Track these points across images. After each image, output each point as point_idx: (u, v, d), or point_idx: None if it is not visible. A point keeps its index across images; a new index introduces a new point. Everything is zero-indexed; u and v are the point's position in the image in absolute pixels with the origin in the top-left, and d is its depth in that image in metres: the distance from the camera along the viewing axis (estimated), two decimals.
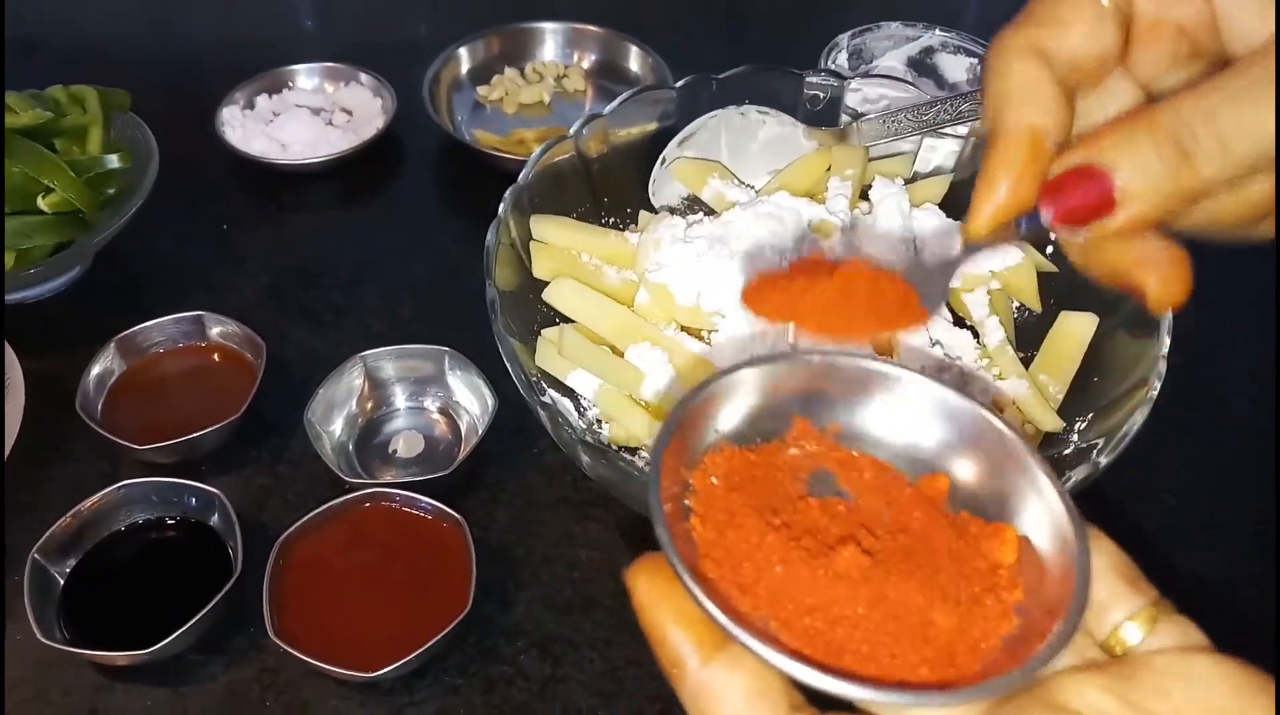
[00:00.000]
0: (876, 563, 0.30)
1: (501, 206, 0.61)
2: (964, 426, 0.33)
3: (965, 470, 0.33)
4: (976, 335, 0.62)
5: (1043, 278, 0.65)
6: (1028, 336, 0.63)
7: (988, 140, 0.35)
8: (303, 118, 0.87)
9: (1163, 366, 0.53)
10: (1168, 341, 0.54)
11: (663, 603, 0.29)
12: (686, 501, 0.31)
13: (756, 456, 0.33)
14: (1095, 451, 0.51)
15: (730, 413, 0.34)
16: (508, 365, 0.55)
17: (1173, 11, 0.35)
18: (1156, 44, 0.36)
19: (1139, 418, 0.51)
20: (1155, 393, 0.52)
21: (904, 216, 0.64)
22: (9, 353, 0.63)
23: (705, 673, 0.28)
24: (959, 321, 0.63)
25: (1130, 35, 0.36)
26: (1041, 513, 0.31)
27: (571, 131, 0.66)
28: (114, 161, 0.71)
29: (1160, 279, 0.35)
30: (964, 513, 0.33)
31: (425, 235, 0.82)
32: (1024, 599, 0.30)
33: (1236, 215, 0.35)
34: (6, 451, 0.60)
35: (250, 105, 0.89)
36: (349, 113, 0.89)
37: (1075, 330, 0.60)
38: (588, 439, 0.52)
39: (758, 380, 0.34)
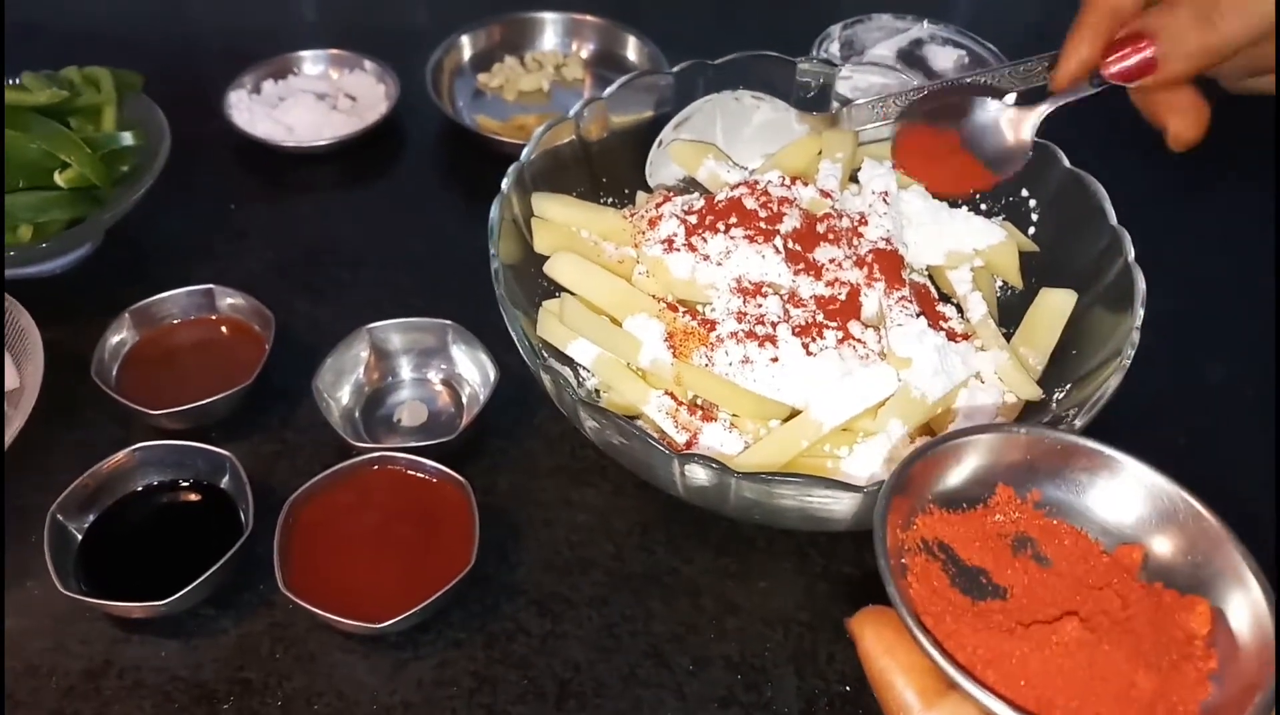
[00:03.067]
0: (1089, 629, 0.33)
1: (505, 182, 0.63)
2: (1161, 505, 0.36)
3: (1159, 544, 0.36)
4: (961, 310, 0.65)
5: (1024, 257, 0.68)
6: (1009, 312, 0.66)
7: (1080, 13, 0.51)
8: (308, 102, 0.89)
9: (1136, 337, 0.56)
10: (1141, 313, 0.57)
11: (889, 653, 0.33)
12: (903, 560, 0.35)
13: (963, 520, 0.37)
14: (1072, 416, 0.53)
15: (940, 478, 0.37)
16: (511, 331, 0.57)
17: None
18: None
19: (1113, 383, 0.53)
20: (1129, 361, 0.55)
21: (892, 196, 0.67)
22: (29, 321, 0.65)
23: None
24: (944, 297, 0.66)
25: None
26: (1238, 591, 0.34)
27: (572, 113, 0.68)
28: (128, 138, 0.73)
29: (1181, 121, 0.51)
30: (1158, 584, 0.35)
31: (426, 216, 0.84)
32: (1218, 669, 0.33)
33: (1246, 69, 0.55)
34: (23, 420, 0.62)
35: (257, 90, 0.91)
36: (353, 98, 0.92)
37: (1054, 305, 0.63)
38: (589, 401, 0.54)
39: (967, 450, 0.37)
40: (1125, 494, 0.37)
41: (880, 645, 0.33)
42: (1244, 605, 0.34)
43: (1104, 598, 0.35)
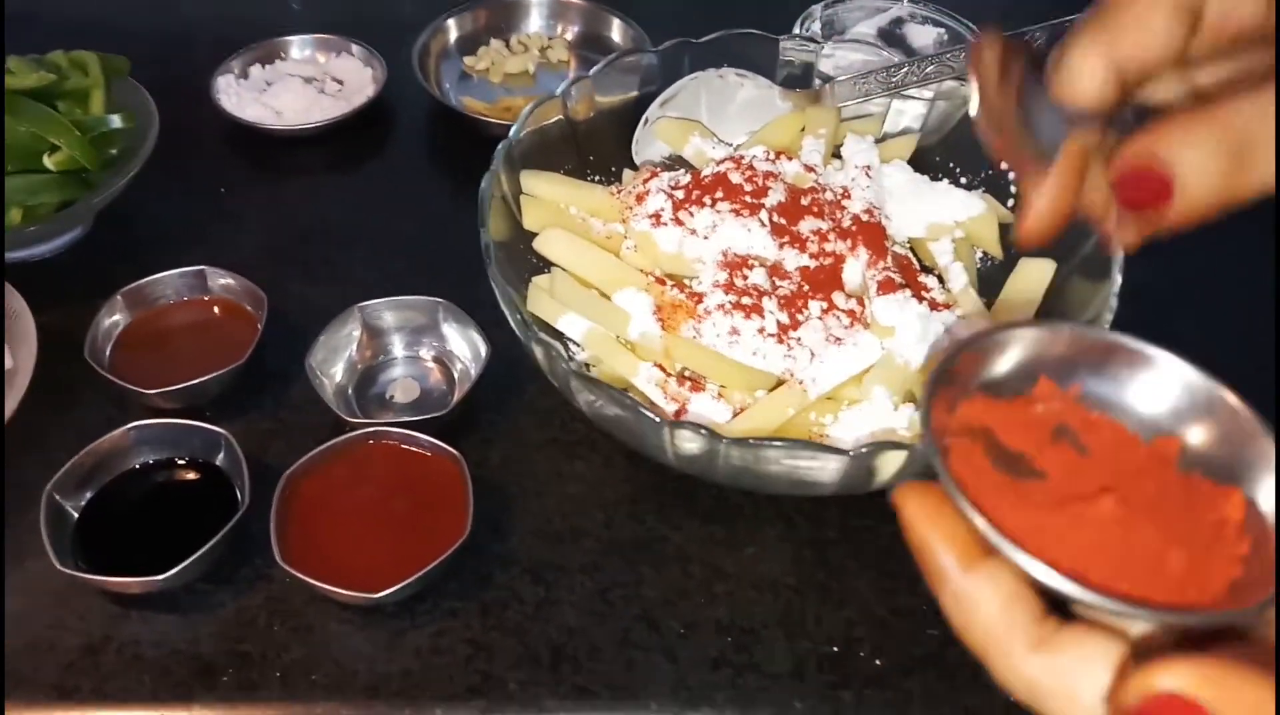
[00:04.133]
0: (1125, 507, 0.34)
1: (494, 159, 0.64)
2: (1198, 399, 0.37)
3: (1196, 437, 0.37)
4: (942, 281, 0.66)
5: (1004, 227, 0.69)
6: (990, 282, 0.67)
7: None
8: (295, 86, 0.90)
9: (1114, 302, 0.57)
10: (1119, 279, 0.58)
11: (929, 521, 0.34)
12: (946, 441, 0.36)
13: (1005, 408, 0.38)
14: None
15: (985, 369, 0.38)
16: (502, 305, 0.58)
17: (1239, 11, 0.36)
18: (1215, 40, 0.37)
19: None
20: (1107, 326, 0.56)
21: (874, 170, 0.68)
22: (21, 304, 0.66)
23: (967, 580, 0.33)
24: (925, 268, 0.67)
25: (1194, 30, 0.36)
26: (1269, 481, 0.35)
27: (559, 91, 0.69)
28: (117, 121, 0.74)
29: (1043, 203, 0.38)
30: (1195, 475, 0.36)
31: (415, 196, 0.85)
32: (1249, 554, 0.34)
33: None
34: (18, 401, 0.63)
35: (244, 75, 0.91)
36: (340, 82, 0.92)
37: (1034, 275, 0.64)
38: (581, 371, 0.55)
39: (1011, 342, 0.38)
40: (1163, 389, 0.38)
41: (921, 514, 0.34)
42: (1275, 494, 0.35)
43: (1140, 481, 0.36)
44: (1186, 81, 0.39)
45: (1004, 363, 0.39)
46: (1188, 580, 0.33)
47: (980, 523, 0.32)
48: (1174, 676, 0.28)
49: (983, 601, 0.32)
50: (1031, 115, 0.39)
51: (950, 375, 0.38)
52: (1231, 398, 0.37)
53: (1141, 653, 0.31)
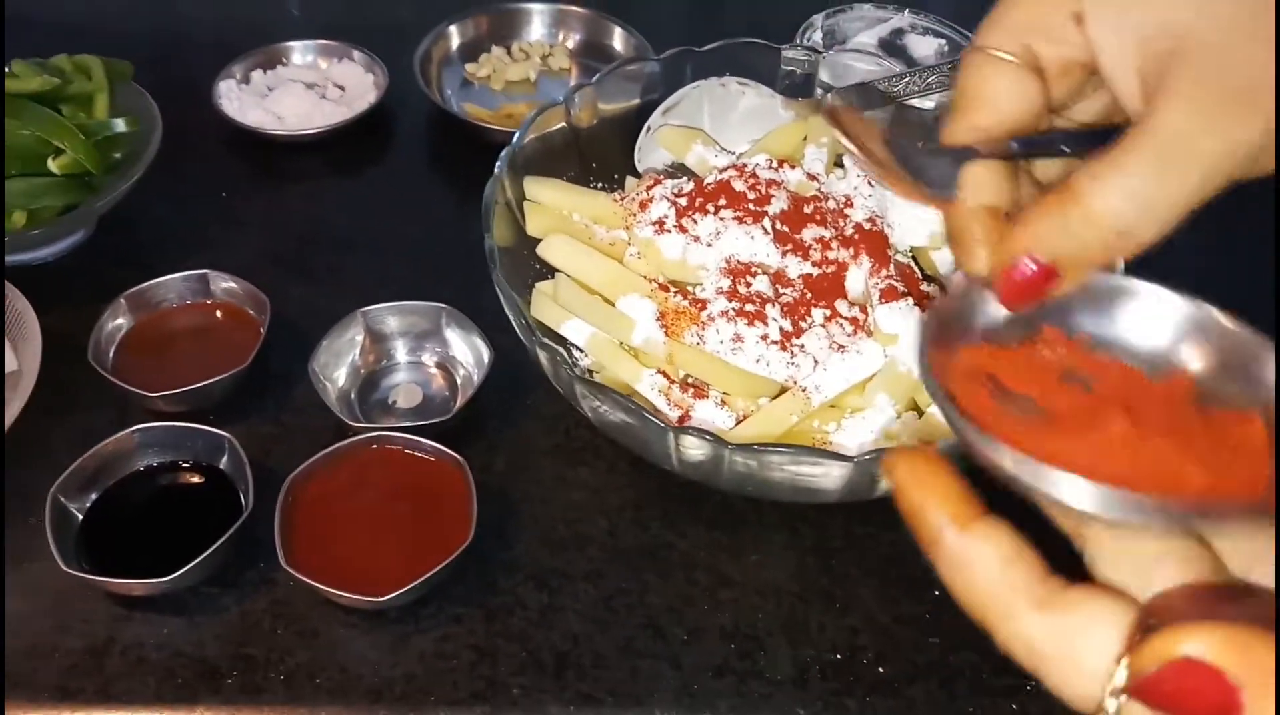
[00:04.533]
0: (1137, 427, 0.33)
1: (498, 165, 0.64)
2: (1203, 329, 0.36)
3: (1205, 368, 0.36)
4: (944, 289, 0.67)
5: None
6: None
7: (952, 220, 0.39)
8: (297, 91, 0.90)
9: None
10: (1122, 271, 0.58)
11: (921, 483, 0.32)
12: (949, 386, 0.35)
13: (1010, 355, 0.37)
14: None
15: (984, 314, 0.37)
16: (507, 311, 0.59)
17: (1067, 52, 0.38)
18: (1067, 83, 0.39)
19: None
20: None
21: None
22: (26, 306, 0.66)
23: (962, 540, 0.31)
24: (927, 277, 0.68)
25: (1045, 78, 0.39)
26: None
27: (563, 98, 0.69)
28: (121, 125, 0.74)
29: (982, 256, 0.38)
30: (1212, 408, 0.35)
31: (417, 202, 0.85)
32: (1269, 473, 0.32)
33: None
34: (22, 403, 0.63)
35: (246, 80, 0.91)
36: (341, 88, 0.92)
37: None
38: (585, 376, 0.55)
39: None
40: (1163, 325, 0.37)
41: (913, 477, 0.33)
42: (1275, 404, 0.33)
43: (1155, 410, 0.35)
44: (1068, 119, 0.41)
45: (1003, 309, 0.38)
46: (1208, 496, 0.31)
47: (1006, 452, 0.30)
48: (1197, 642, 0.26)
49: (980, 560, 0.30)
50: (911, 160, 0.39)
51: (947, 320, 0.37)
52: (1227, 321, 0.35)
53: (1152, 620, 0.29)
